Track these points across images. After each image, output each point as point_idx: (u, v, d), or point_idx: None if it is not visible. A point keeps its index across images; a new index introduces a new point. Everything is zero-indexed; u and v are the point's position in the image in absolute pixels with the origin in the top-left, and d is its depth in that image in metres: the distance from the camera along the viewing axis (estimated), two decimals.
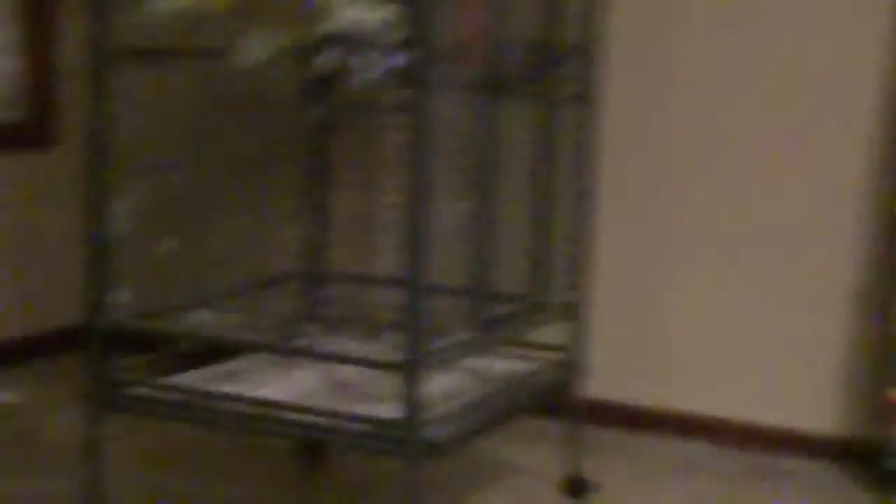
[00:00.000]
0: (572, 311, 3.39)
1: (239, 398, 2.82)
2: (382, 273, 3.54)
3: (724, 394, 3.92)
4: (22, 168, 4.20)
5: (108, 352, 2.88)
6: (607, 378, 3.94)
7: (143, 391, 2.91)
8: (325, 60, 2.85)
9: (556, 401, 3.38)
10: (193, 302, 3.13)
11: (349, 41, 2.87)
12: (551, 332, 3.35)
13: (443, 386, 2.97)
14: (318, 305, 3.47)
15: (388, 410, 2.67)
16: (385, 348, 2.88)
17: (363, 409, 2.76)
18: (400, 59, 2.80)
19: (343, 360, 2.94)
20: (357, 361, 2.83)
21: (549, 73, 3.24)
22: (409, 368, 2.60)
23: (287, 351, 3.19)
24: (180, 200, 3.16)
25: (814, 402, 3.82)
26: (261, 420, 2.78)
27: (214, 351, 3.08)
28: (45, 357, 4.42)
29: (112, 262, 2.89)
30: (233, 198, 3.26)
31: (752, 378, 3.88)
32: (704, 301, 3.92)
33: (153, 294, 2.95)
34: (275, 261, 3.53)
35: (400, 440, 2.62)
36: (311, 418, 2.72)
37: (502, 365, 3.29)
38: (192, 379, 2.99)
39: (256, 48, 2.94)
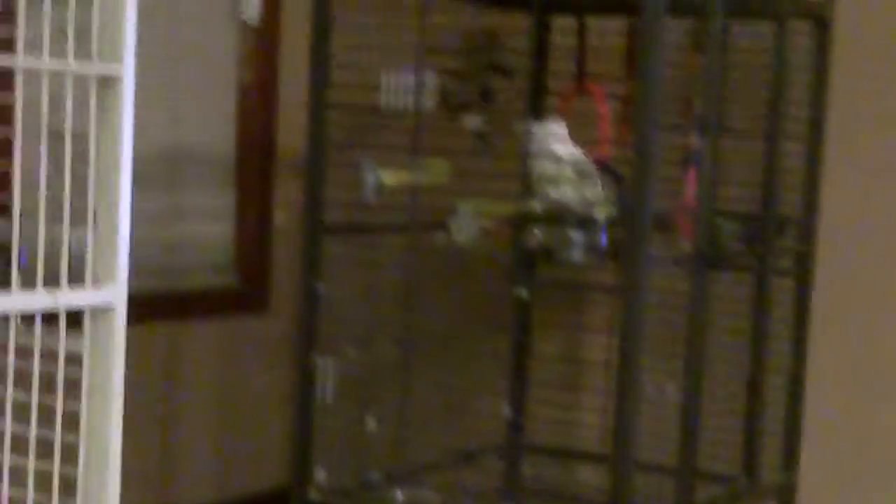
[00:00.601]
0: (787, 494, 3.26)
1: None
2: (585, 448, 3.48)
3: None
4: (232, 332, 4.26)
5: None
6: None
7: None
8: (534, 237, 2.85)
9: None
10: (391, 478, 3.11)
11: (558, 218, 2.86)
12: None
13: None
14: (517, 482, 3.41)
15: None
16: None
17: None
18: (606, 237, 2.79)
19: None
20: None
21: (765, 245, 3.17)
22: None
23: None
24: (384, 371, 3.16)
25: None
26: None
27: None
28: None
29: (317, 433, 2.90)
30: (435, 370, 3.25)
31: None
32: None
33: (349, 466, 2.95)
34: (472, 434, 3.50)
35: None
36: None
37: None
38: None
39: (468, 224, 2.95)
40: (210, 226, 4.24)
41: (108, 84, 2.07)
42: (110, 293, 2.08)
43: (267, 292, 4.35)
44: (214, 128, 4.22)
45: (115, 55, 2.06)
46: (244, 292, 4.30)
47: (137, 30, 3.74)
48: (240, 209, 4.28)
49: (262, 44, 4.27)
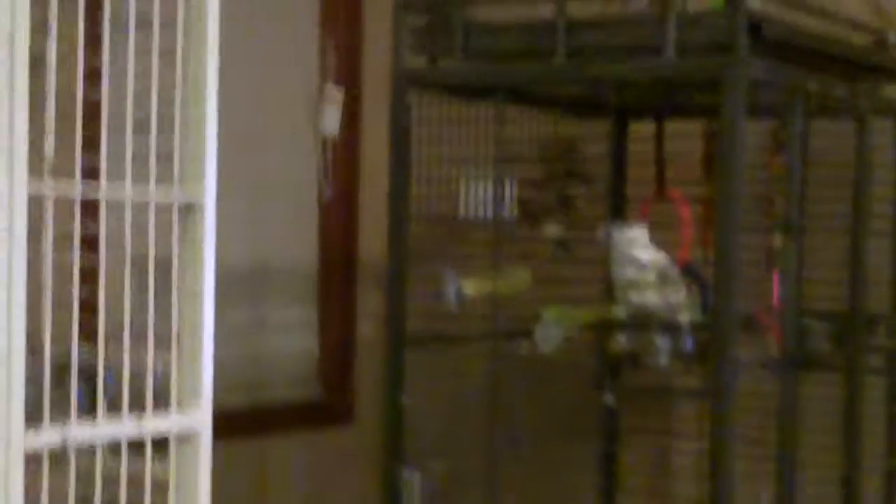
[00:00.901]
0: None
1: None
2: None
3: None
4: (317, 445, 4.26)
5: None
6: None
7: None
8: (619, 343, 2.84)
9: None
10: None
11: (642, 324, 2.85)
12: None
13: None
14: None
15: None
16: None
17: None
18: (692, 341, 2.77)
19: None
20: None
21: (855, 345, 3.13)
22: None
23: None
24: (471, 482, 3.14)
25: None
26: None
27: None
28: None
29: None
30: (522, 480, 3.22)
31: None
32: None
33: None
34: None
35: None
36: None
37: None
38: None
39: (552, 332, 2.94)
40: (294, 339, 4.26)
41: (190, 210, 2.09)
42: (195, 418, 2.08)
43: (351, 404, 4.34)
44: (296, 242, 4.25)
45: (197, 182, 2.08)
46: (328, 405, 4.30)
47: (219, 150, 3.81)
48: (322, 322, 4.30)
49: (343, 157, 4.31)
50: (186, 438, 2.08)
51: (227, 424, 3.92)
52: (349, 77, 4.30)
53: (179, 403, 2.07)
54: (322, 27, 4.29)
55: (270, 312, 4.16)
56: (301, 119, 4.25)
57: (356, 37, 4.33)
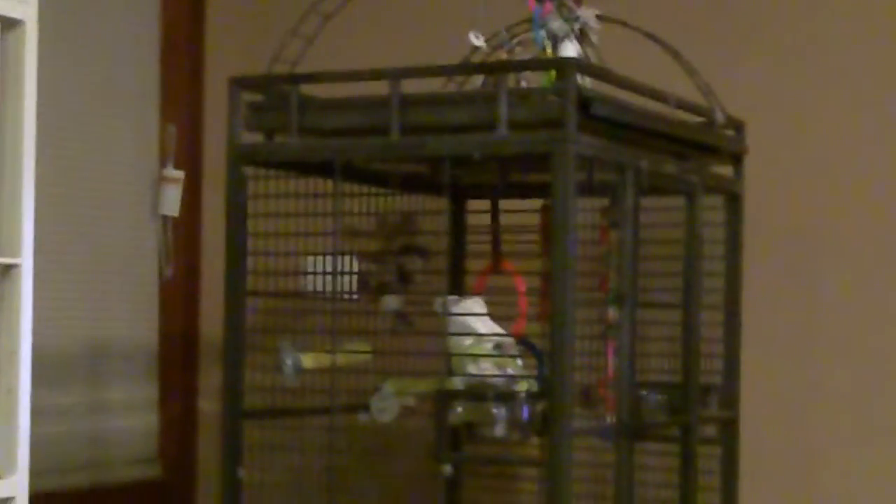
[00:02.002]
0: None
1: None
2: None
3: None
4: None
5: None
6: None
7: None
8: (455, 415, 2.86)
9: None
10: None
11: (479, 394, 2.87)
12: None
13: None
14: None
15: None
16: None
17: None
18: (528, 411, 2.81)
19: None
20: None
21: (688, 414, 3.19)
22: None
23: None
24: None
25: None
26: None
27: None
28: None
29: None
30: None
31: None
32: None
33: None
34: None
35: None
36: None
37: None
38: None
39: (389, 403, 2.96)
40: (134, 418, 4.23)
41: (7, 272, 2.08)
42: (11, 485, 2.05)
43: (192, 483, 4.31)
44: (137, 320, 4.24)
45: (14, 242, 2.08)
46: (169, 484, 4.27)
47: (58, 228, 3.78)
48: (163, 399, 4.28)
49: (184, 236, 4.32)
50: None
51: None
52: (190, 158, 4.32)
53: None
54: (162, 110, 4.31)
55: (110, 391, 4.12)
56: (141, 200, 4.25)
57: (196, 118, 4.37)
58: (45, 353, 3.86)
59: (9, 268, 2.08)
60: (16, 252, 2.08)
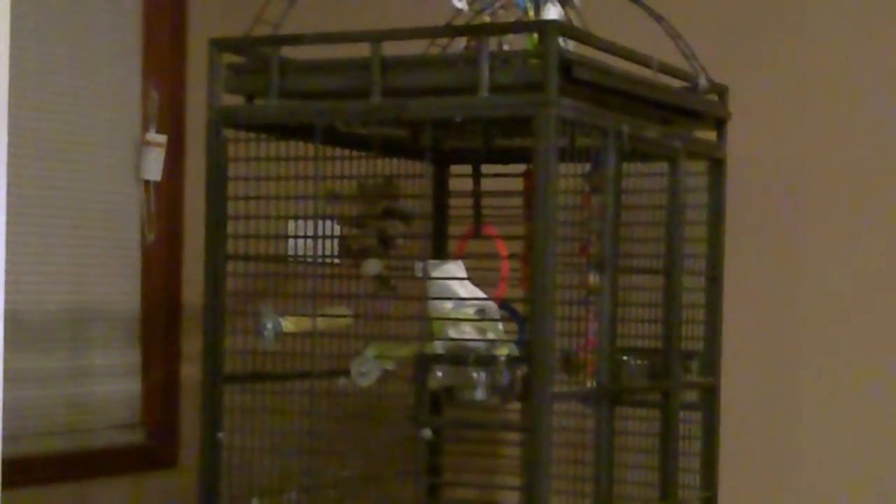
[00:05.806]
0: None
1: None
2: None
3: None
4: (141, 489, 4.22)
5: None
6: None
7: None
8: (435, 379, 2.86)
9: None
10: None
11: (459, 358, 2.88)
12: None
13: None
14: None
15: None
16: None
17: None
18: (508, 375, 2.81)
19: None
20: None
21: (669, 379, 3.19)
22: None
23: None
24: None
25: None
26: None
27: None
28: None
29: None
30: None
31: None
32: None
33: None
34: None
35: None
36: None
37: None
38: None
39: (370, 368, 2.97)
40: (116, 383, 4.23)
41: None
42: None
43: (175, 448, 4.32)
44: (119, 285, 4.24)
45: None
46: (152, 448, 4.28)
47: (40, 192, 3.77)
48: (145, 364, 4.28)
49: (166, 201, 4.31)
50: None
51: (49, 469, 3.91)
52: (172, 122, 4.31)
53: None
54: (144, 73, 4.30)
55: (92, 356, 4.12)
56: (124, 164, 4.24)
57: (179, 83, 4.35)
58: (26, 317, 3.88)
59: None
60: None
